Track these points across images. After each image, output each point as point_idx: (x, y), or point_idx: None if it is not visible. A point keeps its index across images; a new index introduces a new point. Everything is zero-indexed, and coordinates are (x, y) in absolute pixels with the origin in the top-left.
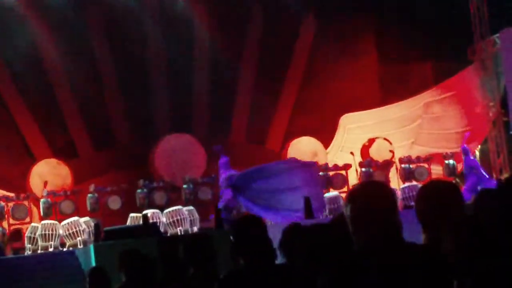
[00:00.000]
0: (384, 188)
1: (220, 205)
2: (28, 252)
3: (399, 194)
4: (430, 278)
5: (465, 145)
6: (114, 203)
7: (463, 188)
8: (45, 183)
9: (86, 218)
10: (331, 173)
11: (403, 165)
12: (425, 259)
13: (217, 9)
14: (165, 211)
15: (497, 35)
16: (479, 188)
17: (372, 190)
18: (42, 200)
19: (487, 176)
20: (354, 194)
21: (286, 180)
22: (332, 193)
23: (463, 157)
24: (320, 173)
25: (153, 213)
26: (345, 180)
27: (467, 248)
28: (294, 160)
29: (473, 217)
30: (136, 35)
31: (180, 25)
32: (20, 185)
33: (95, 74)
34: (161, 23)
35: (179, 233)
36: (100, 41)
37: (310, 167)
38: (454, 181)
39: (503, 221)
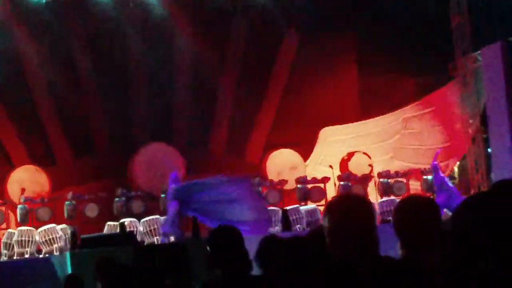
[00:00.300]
0: (363, 202)
1: (166, 219)
2: (3, 258)
3: (377, 208)
4: None
5: (435, 162)
6: (92, 211)
7: None
8: (23, 190)
9: (63, 225)
10: (309, 185)
11: (381, 180)
12: (402, 273)
13: (200, 18)
14: (142, 220)
15: (479, 51)
16: (450, 204)
17: (351, 203)
18: (19, 206)
19: (458, 193)
20: (333, 207)
21: (227, 192)
22: (310, 206)
23: (433, 174)
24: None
25: (131, 222)
26: (323, 193)
27: (453, 257)
28: (230, 175)
29: (452, 231)
30: (118, 43)
31: (162, 34)
32: None
33: (75, 82)
34: (142, 32)
35: (156, 243)
36: (81, 49)
37: (246, 181)
38: (431, 197)
39: (482, 233)
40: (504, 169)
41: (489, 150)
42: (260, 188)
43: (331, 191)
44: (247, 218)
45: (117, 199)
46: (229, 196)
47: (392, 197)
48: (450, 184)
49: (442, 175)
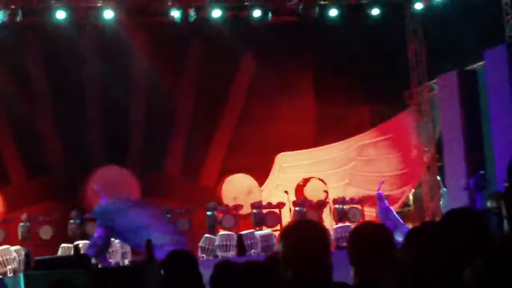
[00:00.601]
0: (318, 228)
1: (89, 242)
2: None
3: (332, 234)
4: None
5: (380, 192)
6: (46, 232)
7: None
8: None
9: (17, 247)
10: (264, 211)
11: (336, 206)
12: None
13: (157, 41)
14: None
15: (434, 80)
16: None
17: (306, 228)
18: None
19: (402, 222)
20: (288, 232)
21: (140, 218)
22: (265, 231)
23: (377, 203)
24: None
25: (85, 244)
26: (278, 219)
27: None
28: (135, 200)
29: (405, 258)
30: (74, 65)
31: (120, 57)
32: None
33: (31, 102)
34: (100, 54)
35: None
36: (37, 69)
37: (150, 207)
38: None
39: (433, 262)
40: (458, 197)
41: (438, 178)
42: (215, 213)
43: (286, 217)
44: (167, 242)
45: (71, 221)
46: (144, 222)
47: (347, 223)
48: (395, 213)
49: (387, 204)
